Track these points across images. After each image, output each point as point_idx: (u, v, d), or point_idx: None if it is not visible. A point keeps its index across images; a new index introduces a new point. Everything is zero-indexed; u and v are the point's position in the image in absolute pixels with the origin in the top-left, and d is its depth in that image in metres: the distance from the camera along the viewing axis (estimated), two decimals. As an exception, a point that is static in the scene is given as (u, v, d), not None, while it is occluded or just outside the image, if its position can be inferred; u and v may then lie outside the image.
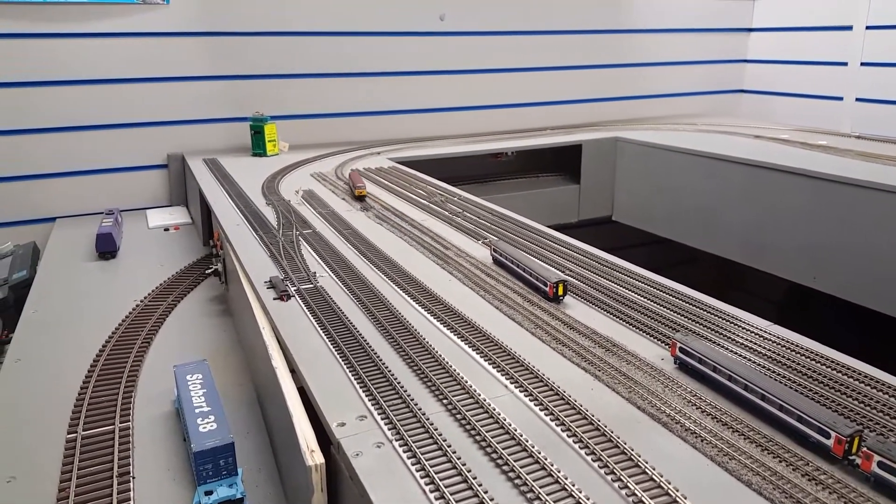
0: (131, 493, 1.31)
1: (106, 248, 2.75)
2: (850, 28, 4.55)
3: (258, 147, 3.62)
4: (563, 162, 4.25)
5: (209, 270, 2.42)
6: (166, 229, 3.21)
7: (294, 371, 1.38)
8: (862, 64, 4.51)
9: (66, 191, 3.47)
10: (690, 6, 4.96)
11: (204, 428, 1.37)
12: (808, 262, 3.13)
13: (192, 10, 3.53)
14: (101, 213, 3.20)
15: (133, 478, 1.37)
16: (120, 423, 1.57)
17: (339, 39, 3.89)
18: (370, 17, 3.93)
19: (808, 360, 1.33)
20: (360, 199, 2.72)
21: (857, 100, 4.57)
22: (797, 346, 1.39)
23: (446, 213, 2.50)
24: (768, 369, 1.30)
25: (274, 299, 1.68)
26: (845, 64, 4.60)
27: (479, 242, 2.13)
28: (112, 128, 3.50)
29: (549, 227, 2.33)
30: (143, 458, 1.45)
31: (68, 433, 1.52)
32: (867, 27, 4.45)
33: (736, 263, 3.57)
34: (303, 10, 3.77)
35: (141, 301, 2.30)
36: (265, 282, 1.79)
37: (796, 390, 1.20)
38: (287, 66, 3.80)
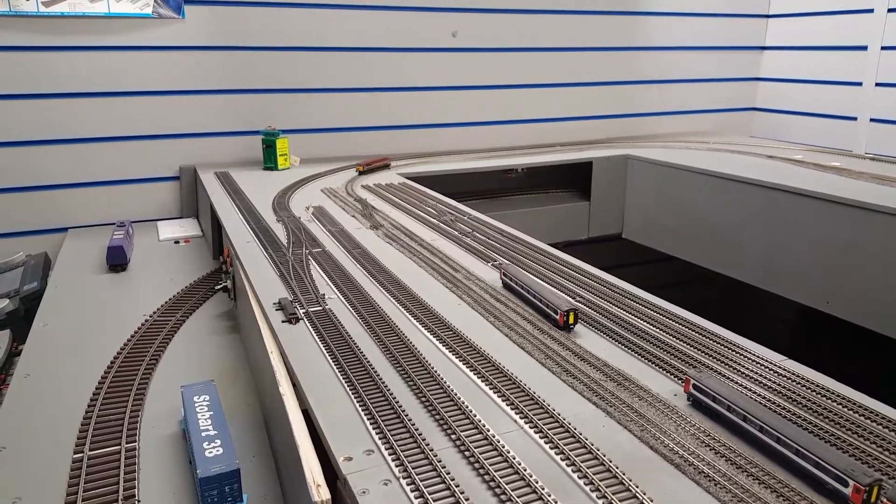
0: (136, 518, 1.31)
1: (116, 261, 2.76)
2: (864, 48, 4.52)
3: (270, 161, 3.63)
4: (573, 179, 4.23)
5: (218, 286, 2.42)
6: (177, 242, 3.22)
7: (301, 397, 1.37)
8: (877, 84, 4.47)
9: (79, 201, 3.50)
10: (703, 24, 4.95)
11: (210, 452, 1.37)
12: (821, 286, 3.09)
13: (207, 24, 3.56)
14: (113, 223, 3.23)
15: (138, 501, 1.36)
16: (126, 443, 1.57)
17: (351, 55, 3.91)
18: (383, 32, 3.95)
19: (826, 399, 1.30)
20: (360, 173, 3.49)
21: (872, 120, 4.53)
22: (813, 383, 1.36)
23: (456, 232, 2.49)
24: (783, 408, 1.27)
25: (283, 322, 1.68)
26: (860, 84, 4.57)
27: (490, 265, 2.12)
28: (125, 139, 3.53)
29: (558, 243, 2.32)
30: (149, 480, 1.44)
31: (75, 453, 1.51)
32: (882, 47, 4.42)
33: (747, 283, 3.53)
34: (316, 25, 3.79)
35: (150, 316, 2.30)
36: (274, 303, 1.78)
37: (813, 433, 1.18)
38: (299, 80, 3.83)
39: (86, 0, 3.28)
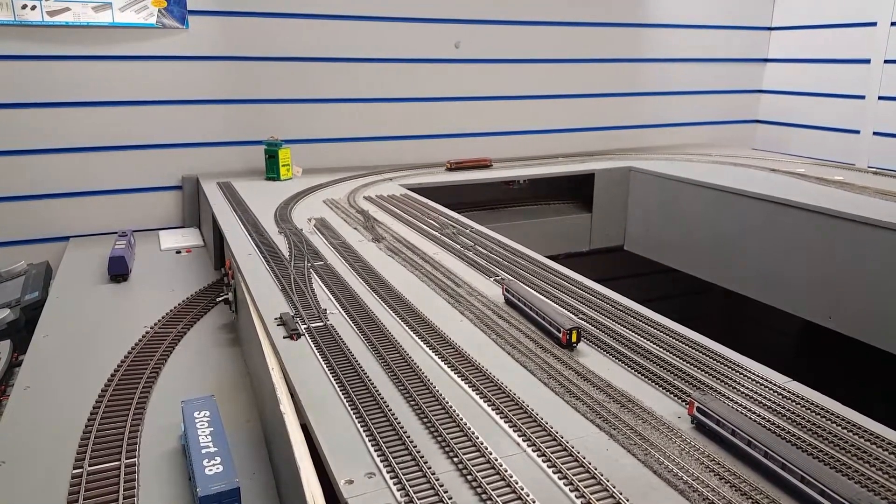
0: (135, 537, 1.30)
1: (118, 271, 2.76)
2: (867, 61, 4.53)
3: (272, 171, 3.63)
4: (575, 190, 4.23)
5: (220, 298, 2.41)
6: (178, 252, 3.22)
7: (301, 414, 1.36)
8: (880, 98, 4.48)
9: (81, 210, 3.50)
10: (706, 36, 4.96)
11: (210, 470, 1.36)
12: (823, 301, 3.08)
13: (211, 35, 3.57)
14: (115, 232, 3.23)
15: (137, 519, 1.35)
16: (126, 458, 1.56)
17: (354, 65, 3.92)
18: (385, 43, 3.96)
19: (831, 423, 1.29)
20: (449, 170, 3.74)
21: (875, 134, 4.53)
22: (818, 406, 1.35)
23: (458, 246, 2.49)
24: (788, 431, 1.26)
25: (284, 338, 1.67)
26: (863, 97, 4.58)
27: (492, 280, 2.12)
28: (128, 149, 3.53)
29: (559, 255, 2.31)
30: (148, 497, 1.43)
31: (74, 468, 1.50)
32: (886, 61, 4.43)
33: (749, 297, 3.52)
34: (319, 36, 3.81)
35: (151, 328, 2.29)
36: (276, 318, 1.77)
37: (819, 458, 1.17)
38: (301, 91, 3.83)
39: (90, 10, 3.30)
